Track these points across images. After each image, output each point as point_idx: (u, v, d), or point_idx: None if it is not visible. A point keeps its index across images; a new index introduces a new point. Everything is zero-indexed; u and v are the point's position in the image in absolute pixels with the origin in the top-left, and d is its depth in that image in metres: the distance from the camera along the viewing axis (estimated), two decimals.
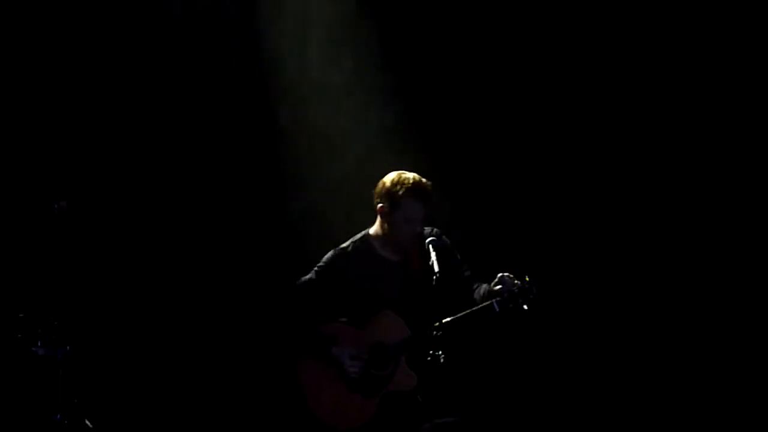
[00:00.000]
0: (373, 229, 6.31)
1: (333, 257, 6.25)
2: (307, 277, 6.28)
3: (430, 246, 5.82)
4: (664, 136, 7.67)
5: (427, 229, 6.22)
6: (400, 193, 6.13)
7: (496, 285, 5.98)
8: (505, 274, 5.97)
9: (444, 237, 6.22)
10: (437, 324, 5.89)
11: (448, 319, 5.95)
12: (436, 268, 5.70)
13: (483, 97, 7.86)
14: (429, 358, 5.70)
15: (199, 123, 8.01)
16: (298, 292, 6.24)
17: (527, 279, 5.93)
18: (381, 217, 6.25)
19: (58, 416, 7.04)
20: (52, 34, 7.87)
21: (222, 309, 7.95)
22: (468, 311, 5.98)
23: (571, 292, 7.44)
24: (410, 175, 6.20)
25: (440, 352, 5.57)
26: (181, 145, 8.02)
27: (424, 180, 6.20)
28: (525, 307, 5.92)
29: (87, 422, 7.13)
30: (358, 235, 6.32)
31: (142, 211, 7.99)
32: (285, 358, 6.29)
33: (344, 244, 6.29)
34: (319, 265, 6.29)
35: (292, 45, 7.99)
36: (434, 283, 5.65)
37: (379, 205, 6.22)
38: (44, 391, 7.09)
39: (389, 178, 6.22)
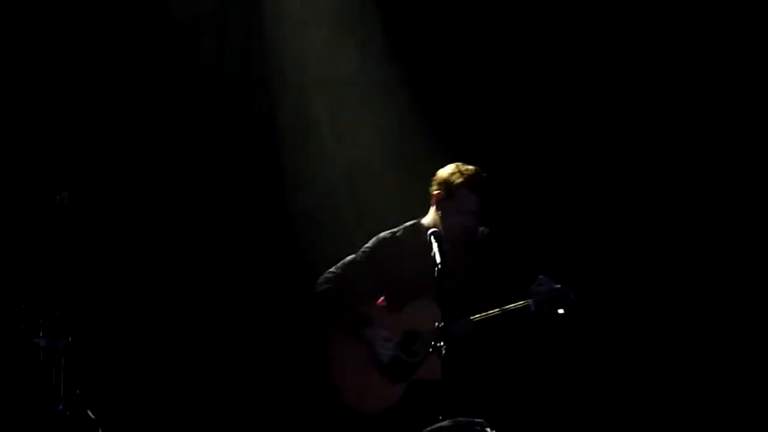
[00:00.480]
0: (425, 219, 6.31)
1: (381, 241, 6.25)
2: (352, 257, 6.28)
3: (432, 237, 5.79)
4: (675, 131, 7.63)
5: (481, 229, 6.21)
6: (456, 182, 6.14)
7: (534, 286, 5.97)
8: (544, 276, 5.99)
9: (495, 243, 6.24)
10: (471, 317, 5.93)
11: (484, 314, 5.98)
12: (437, 259, 5.67)
13: (490, 90, 7.83)
14: (431, 350, 5.67)
15: (199, 115, 8.01)
16: (341, 270, 6.23)
17: (565, 284, 5.95)
18: (435, 206, 6.24)
19: (60, 407, 7.04)
20: (53, 26, 7.87)
21: (223, 300, 7.96)
22: (504, 308, 5.98)
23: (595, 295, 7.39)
24: (470, 167, 6.21)
25: (442, 344, 5.53)
26: (181, 137, 8.02)
27: (483, 173, 6.20)
28: (560, 311, 5.92)
29: (89, 413, 7.13)
30: (410, 222, 6.33)
31: (143, 202, 7.99)
32: (313, 335, 6.22)
33: (394, 230, 6.31)
34: (366, 246, 6.28)
35: (294, 38, 7.97)
36: (435, 275, 5.62)
37: (435, 192, 6.23)
38: (46, 382, 7.09)
39: (449, 167, 6.23)
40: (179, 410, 7.81)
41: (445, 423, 5.29)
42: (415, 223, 6.32)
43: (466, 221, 6.15)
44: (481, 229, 6.21)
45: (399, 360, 6.03)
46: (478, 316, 5.98)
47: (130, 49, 7.95)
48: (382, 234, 6.30)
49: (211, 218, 8.03)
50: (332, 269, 6.28)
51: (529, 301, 5.96)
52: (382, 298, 6.29)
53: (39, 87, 7.87)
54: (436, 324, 5.71)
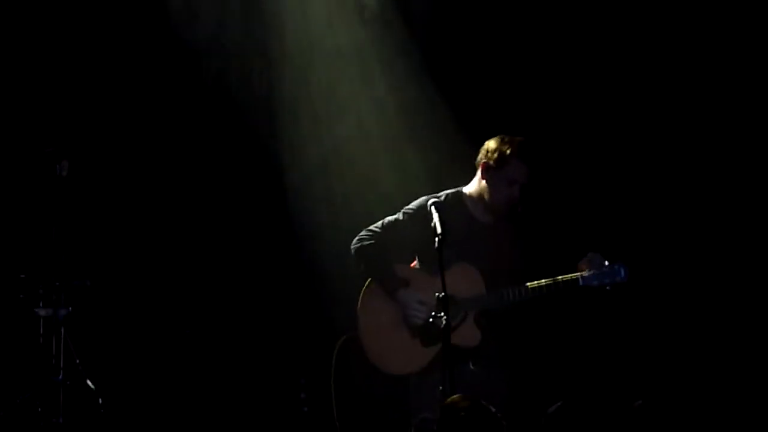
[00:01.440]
0: (468, 188, 6.16)
1: (424, 203, 6.03)
2: (393, 217, 6.15)
3: (432, 207, 5.75)
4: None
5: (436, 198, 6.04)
6: (509, 152, 6.00)
7: (585, 261, 5.93)
8: (593, 253, 5.93)
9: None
10: (518, 288, 5.86)
11: (536, 283, 5.89)
12: (438, 229, 5.64)
13: (491, 64, 7.78)
14: (431, 320, 5.65)
15: (198, 87, 7.99)
16: (381, 229, 6.12)
17: (617, 262, 5.87)
18: (482, 174, 6.09)
19: (60, 377, 7.06)
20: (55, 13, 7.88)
21: (221, 270, 7.96)
22: (551, 280, 5.89)
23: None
24: (520, 138, 6.08)
25: (442, 314, 5.50)
26: (180, 109, 8.00)
27: (534, 144, 6.09)
28: (608, 287, 5.86)
29: (89, 383, 7.15)
30: (452, 189, 6.19)
31: (142, 173, 7.98)
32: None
33: (438, 194, 6.13)
34: (408, 207, 6.14)
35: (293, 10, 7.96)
36: (435, 245, 5.59)
37: (484, 161, 6.08)
38: (46, 352, 7.11)
39: (498, 137, 6.09)
40: (178, 381, 7.82)
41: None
42: (457, 191, 6.17)
43: (513, 192, 6.02)
44: (432, 200, 5.95)
45: (433, 324, 5.76)
46: (531, 284, 5.86)
47: (128, 28, 7.92)
48: (426, 197, 6.11)
49: (209, 189, 8.02)
50: (371, 227, 6.16)
51: (578, 274, 5.87)
52: (415, 261, 6.17)
53: (40, 57, 7.86)
54: (477, 292, 5.77)
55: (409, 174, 7.58)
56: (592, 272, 5.89)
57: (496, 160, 6.04)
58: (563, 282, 5.90)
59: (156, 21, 7.89)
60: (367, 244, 6.11)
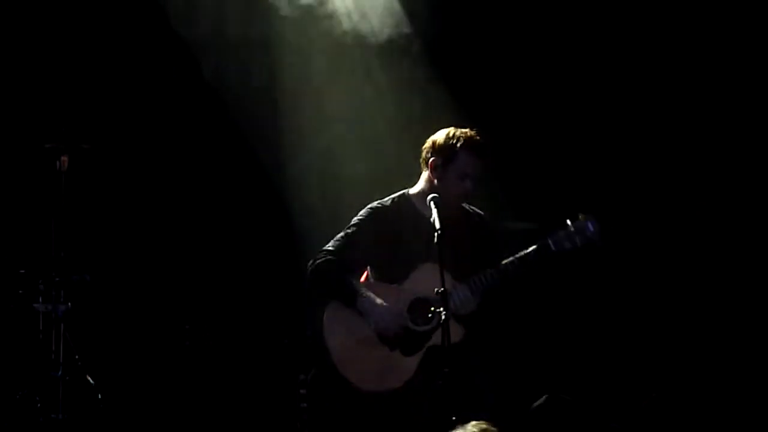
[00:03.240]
0: (415, 188, 6.00)
1: (373, 210, 5.94)
2: (344, 231, 5.93)
3: (432, 203, 5.69)
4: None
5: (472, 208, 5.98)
6: (458, 145, 5.84)
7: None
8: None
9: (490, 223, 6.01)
10: (486, 272, 5.66)
11: (504, 261, 5.68)
12: (437, 225, 5.57)
13: (489, 49, 7.77)
14: (430, 315, 5.62)
15: (198, 77, 7.98)
16: (334, 246, 5.90)
17: (584, 215, 5.66)
18: (431, 172, 5.92)
19: (59, 373, 7.05)
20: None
21: (221, 264, 7.95)
22: (523, 252, 5.67)
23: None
24: (467, 130, 5.91)
25: (441, 309, 5.45)
26: (180, 100, 7.99)
27: (481, 136, 5.92)
28: (579, 244, 5.61)
29: (88, 379, 7.14)
30: (397, 193, 6.02)
31: (142, 168, 7.98)
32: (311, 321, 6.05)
33: (383, 199, 5.99)
34: (357, 218, 5.96)
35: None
36: (435, 240, 5.54)
37: (431, 159, 5.90)
38: (45, 347, 7.10)
39: (444, 132, 5.91)
40: (178, 376, 7.80)
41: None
42: (403, 194, 6.01)
43: (466, 185, 5.86)
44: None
45: (410, 331, 5.71)
46: (504, 261, 5.65)
47: (127, 22, 7.91)
48: (372, 204, 5.99)
49: (208, 184, 8.02)
50: (326, 247, 5.91)
51: (548, 239, 5.65)
52: (366, 272, 5.96)
53: (41, 52, 7.86)
54: (447, 287, 5.51)
55: (410, 167, 7.52)
56: (559, 234, 5.67)
57: (445, 156, 5.88)
58: (534, 252, 5.69)
59: (155, 15, 7.88)
60: (321, 261, 5.86)
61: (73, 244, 7.33)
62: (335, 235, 5.96)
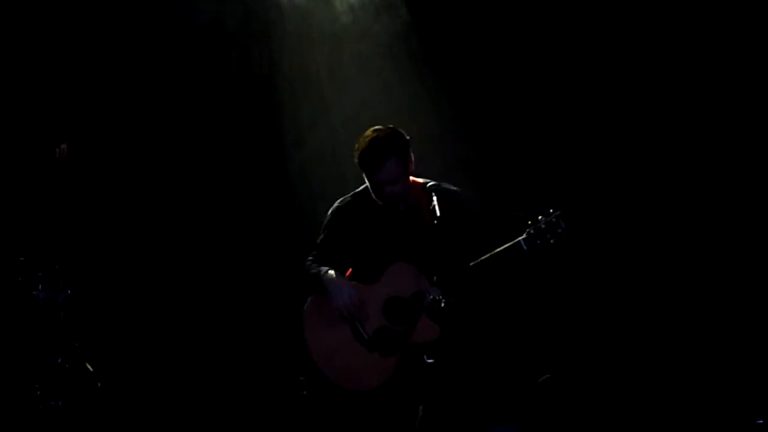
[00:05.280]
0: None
1: (335, 210, 5.90)
2: (319, 237, 5.90)
3: (432, 191, 5.68)
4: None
5: (434, 183, 5.83)
6: (357, 162, 5.75)
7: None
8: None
9: (461, 196, 5.86)
10: (461, 270, 5.60)
11: (473, 262, 5.62)
12: (438, 212, 5.56)
13: (491, 40, 7.77)
14: (429, 303, 5.62)
15: (199, 68, 7.98)
16: (316, 250, 5.87)
17: (554, 212, 5.59)
18: None
19: (59, 360, 7.06)
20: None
21: (222, 253, 7.96)
22: (494, 252, 5.61)
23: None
24: (363, 141, 5.70)
25: (440, 297, 5.45)
26: (181, 90, 8.00)
27: (376, 142, 5.67)
28: (552, 241, 5.55)
29: (88, 366, 7.16)
30: (360, 188, 5.92)
31: (143, 155, 7.98)
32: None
33: (346, 196, 5.93)
34: (325, 222, 5.92)
35: None
36: (435, 225, 5.53)
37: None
38: (45, 334, 7.11)
39: (360, 137, 5.75)
40: (177, 364, 7.82)
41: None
42: (364, 188, 5.87)
43: (384, 192, 5.72)
44: (430, 183, 5.81)
45: (387, 330, 5.69)
46: (473, 262, 5.61)
47: (129, 11, 7.91)
48: (335, 204, 5.94)
49: (209, 172, 8.02)
50: (309, 256, 5.89)
51: (519, 239, 5.57)
52: (348, 272, 5.91)
53: (40, 41, 7.85)
54: (420, 286, 5.53)
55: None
56: (529, 232, 5.59)
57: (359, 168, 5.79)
58: (505, 251, 5.62)
59: (156, 3, 7.89)
60: (306, 264, 5.85)
61: (73, 232, 7.34)
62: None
